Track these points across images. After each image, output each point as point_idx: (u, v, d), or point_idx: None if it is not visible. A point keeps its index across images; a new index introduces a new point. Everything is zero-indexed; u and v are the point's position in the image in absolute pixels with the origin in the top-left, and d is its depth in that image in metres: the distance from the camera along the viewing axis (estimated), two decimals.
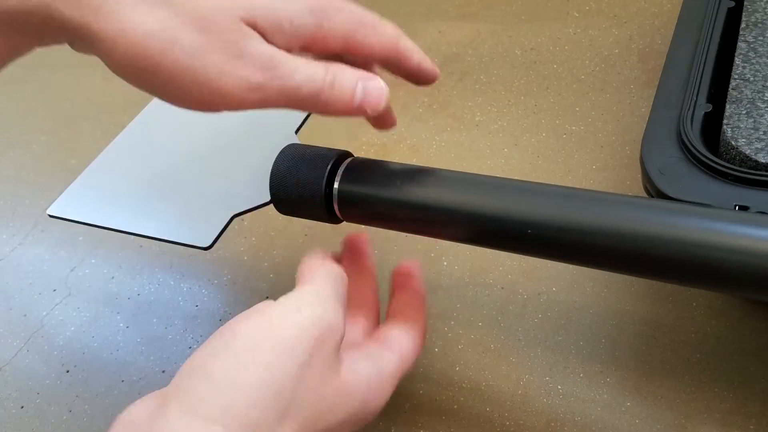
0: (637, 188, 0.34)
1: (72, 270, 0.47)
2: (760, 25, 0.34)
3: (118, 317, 0.44)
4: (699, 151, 0.29)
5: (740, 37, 0.34)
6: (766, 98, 0.31)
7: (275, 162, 0.31)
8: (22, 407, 0.41)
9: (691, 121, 0.31)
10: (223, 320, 0.42)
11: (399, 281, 0.33)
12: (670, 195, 0.28)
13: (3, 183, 0.56)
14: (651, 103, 0.33)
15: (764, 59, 0.32)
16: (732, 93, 0.31)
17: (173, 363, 0.40)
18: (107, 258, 0.47)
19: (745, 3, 0.35)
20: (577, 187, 0.27)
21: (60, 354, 0.43)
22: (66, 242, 0.49)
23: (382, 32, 0.28)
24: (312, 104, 0.26)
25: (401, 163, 0.30)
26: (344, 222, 0.32)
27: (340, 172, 0.30)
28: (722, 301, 0.35)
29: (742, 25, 0.34)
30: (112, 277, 0.46)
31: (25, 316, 0.45)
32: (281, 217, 0.32)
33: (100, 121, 0.59)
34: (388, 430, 0.34)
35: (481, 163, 0.45)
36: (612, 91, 0.47)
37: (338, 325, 0.26)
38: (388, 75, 0.30)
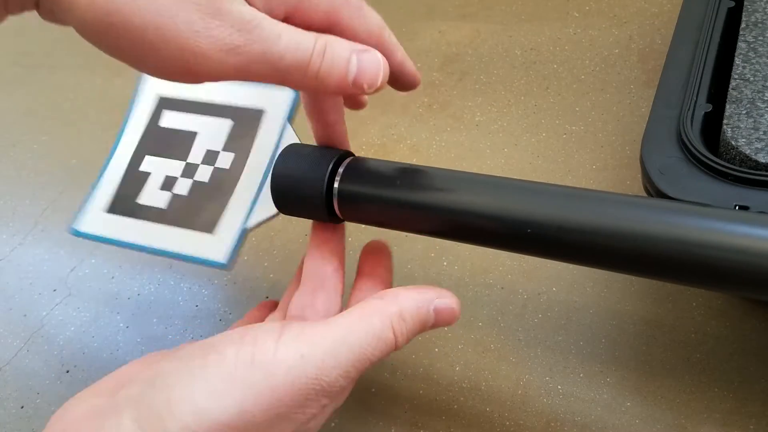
0: (637, 188, 0.34)
1: (72, 270, 0.47)
2: (760, 25, 0.34)
3: (118, 317, 0.44)
4: (699, 151, 0.29)
5: (740, 37, 0.34)
6: (766, 98, 0.31)
7: (276, 162, 0.31)
8: (22, 407, 0.41)
9: (691, 121, 0.31)
10: (223, 320, 0.42)
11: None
12: (670, 195, 0.28)
13: (3, 183, 0.56)
14: (651, 103, 0.33)
15: (764, 59, 0.32)
16: (732, 93, 0.31)
17: None
18: (107, 258, 0.47)
19: (745, 3, 0.35)
20: (577, 186, 0.27)
21: (60, 354, 0.43)
22: (66, 242, 0.49)
23: (368, 17, 0.26)
24: (299, 78, 0.24)
25: (401, 163, 0.30)
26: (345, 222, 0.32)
27: (340, 171, 0.30)
28: (722, 301, 0.35)
29: (742, 25, 0.34)
30: (112, 277, 0.46)
31: (25, 316, 0.45)
32: (281, 217, 0.32)
33: (100, 121, 0.59)
34: (388, 429, 0.34)
35: (481, 163, 0.45)
36: (612, 91, 0.47)
37: (336, 388, 0.24)
38: None
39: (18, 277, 0.48)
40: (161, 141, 0.36)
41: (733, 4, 0.36)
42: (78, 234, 0.35)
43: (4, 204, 0.54)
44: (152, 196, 0.35)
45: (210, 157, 0.34)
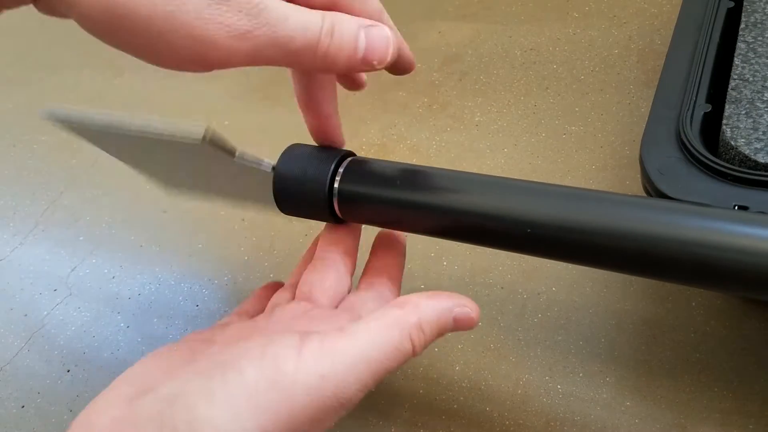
0: (637, 188, 0.34)
1: (72, 270, 0.47)
2: (759, 25, 0.34)
3: (119, 317, 0.44)
4: (698, 151, 0.29)
5: (739, 38, 0.34)
6: (765, 98, 0.31)
7: (278, 162, 0.31)
8: (23, 407, 0.41)
9: (691, 121, 0.31)
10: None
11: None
12: (670, 195, 0.28)
13: (3, 183, 0.56)
14: (650, 103, 0.33)
15: (763, 59, 0.33)
16: (731, 93, 0.32)
17: None
18: (108, 258, 0.47)
19: (745, 3, 0.35)
20: (577, 186, 0.27)
21: (61, 354, 0.43)
22: (66, 242, 0.49)
23: (369, 4, 0.25)
24: (309, 58, 0.23)
25: (401, 163, 0.30)
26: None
27: (340, 171, 0.30)
28: (722, 300, 0.35)
29: (742, 26, 0.34)
30: (113, 277, 0.46)
31: (25, 315, 0.46)
32: (282, 217, 0.32)
33: None
34: (388, 429, 0.35)
35: (480, 163, 0.45)
36: (611, 91, 0.47)
37: (354, 401, 0.24)
38: (388, 73, 0.30)
39: (18, 277, 0.48)
40: None
41: (732, 4, 0.36)
42: (50, 116, 0.32)
43: (4, 204, 0.54)
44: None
45: None
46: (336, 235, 0.32)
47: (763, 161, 0.28)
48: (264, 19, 0.22)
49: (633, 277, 0.37)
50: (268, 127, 0.53)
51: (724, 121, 0.30)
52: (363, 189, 0.29)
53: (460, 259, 0.41)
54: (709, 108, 0.31)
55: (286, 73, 0.30)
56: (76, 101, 0.62)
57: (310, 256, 0.33)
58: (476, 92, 0.50)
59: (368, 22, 0.24)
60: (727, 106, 0.31)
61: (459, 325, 0.27)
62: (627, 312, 0.36)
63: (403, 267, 0.32)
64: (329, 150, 0.31)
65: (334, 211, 0.30)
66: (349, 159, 0.31)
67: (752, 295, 0.25)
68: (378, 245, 0.33)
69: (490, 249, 0.29)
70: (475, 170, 0.31)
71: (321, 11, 0.23)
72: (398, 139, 0.49)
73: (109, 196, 0.52)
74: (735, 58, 0.33)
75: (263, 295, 0.34)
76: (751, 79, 0.32)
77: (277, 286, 0.34)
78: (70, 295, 0.46)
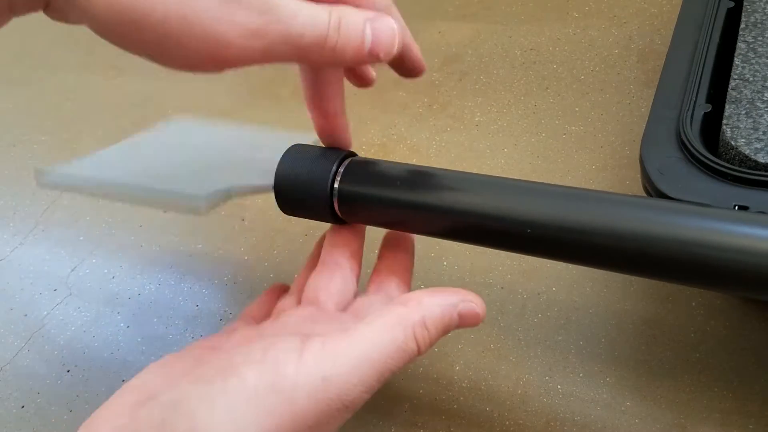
0: (637, 188, 0.34)
1: (72, 270, 0.47)
2: (759, 25, 0.34)
3: (119, 317, 0.44)
4: (698, 151, 0.29)
5: (740, 38, 0.34)
6: (765, 98, 0.31)
7: (279, 162, 0.31)
8: (23, 407, 0.41)
9: (691, 121, 0.31)
10: (223, 320, 0.42)
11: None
12: (670, 195, 0.28)
13: (3, 183, 0.56)
14: (650, 103, 0.33)
15: (764, 59, 0.33)
16: (731, 93, 0.32)
17: None
18: (108, 258, 0.47)
19: (745, 3, 0.35)
20: (577, 186, 0.27)
21: (61, 354, 0.43)
22: (66, 242, 0.49)
23: None
24: (318, 53, 0.23)
25: (401, 163, 0.30)
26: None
27: (340, 172, 0.30)
28: (722, 300, 0.35)
29: (742, 26, 0.34)
30: (113, 277, 0.46)
31: (25, 315, 0.46)
32: (282, 217, 0.32)
33: (100, 121, 0.59)
34: (388, 429, 0.35)
35: (481, 163, 0.45)
36: (611, 91, 0.47)
37: (358, 403, 0.23)
38: (388, 73, 0.30)
39: (18, 277, 0.48)
40: None
41: (732, 4, 0.36)
42: (47, 183, 0.32)
43: (4, 204, 0.54)
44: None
45: None
46: (340, 238, 0.31)
47: (763, 161, 0.28)
48: (275, 16, 0.22)
49: (633, 277, 0.37)
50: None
51: (725, 121, 0.30)
52: (363, 189, 0.29)
53: (460, 259, 0.41)
54: (709, 108, 0.31)
55: (287, 73, 0.30)
56: (76, 101, 0.62)
57: (314, 260, 0.32)
58: (476, 92, 0.50)
59: (373, 14, 0.24)
60: (727, 106, 0.31)
61: (464, 322, 0.26)
62: (627, 312, 0.36)
63: (411, 268, 0.32)
64: (330, 150, 0.31)
65: (335, 211, 0.30)
66: (350, 159, 0.31)
67: (752, 294, 0.25)
68: (386, 246, 0.32)
69: (490, 249, 0.29)
70: (475, 170, 0.31)
71: (328, 6, 0.23)
72: (398, 139, 0.49)
73: None
74: (735, 58, 0.33)
75: (268, 298, 0.34)
76: (751, 79, 0.32)
77: (281, 288, 0.34)
78: (70, 295, 0.46)
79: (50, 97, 0.63)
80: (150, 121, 0.38)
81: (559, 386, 0.34)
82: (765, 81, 0.32)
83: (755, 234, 0.23)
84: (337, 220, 0.31)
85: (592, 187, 0.42)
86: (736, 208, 0.27)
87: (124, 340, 0.42)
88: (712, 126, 0.31)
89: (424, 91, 0.52)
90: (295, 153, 0.31)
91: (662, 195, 0.29)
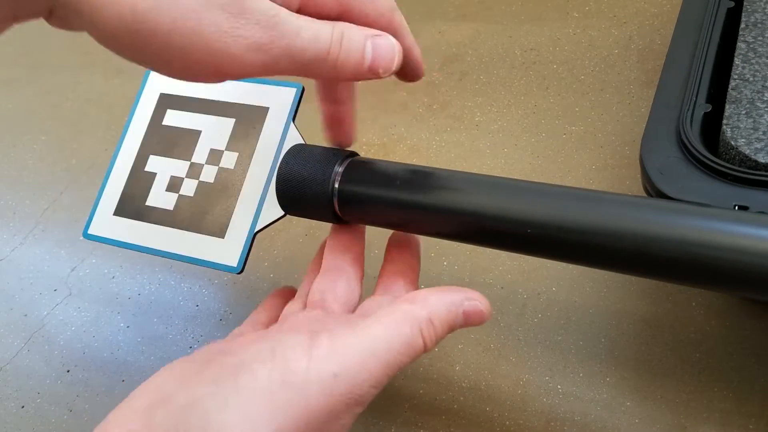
0: (637, 188, 0.34)
1: (72, 270, 0.47)
2: (759, 25, 0.34)
3: (119, 317, 0.44)
4: (699, 151, 0.29)
5: (740, 38, 0.34)
6: (765, 98, 0.31)
7: (281, 163, 0.31)
8: (23, 407, 0.41)
9: (691, 121, 0.31)
10: (223, 320, 0.42)
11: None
12: (670, 195, 0.28)
13: (3, 183, 0.56)
14: (650, 103, 0.33)
15: (764, 59, 0.32)
16: (731, 93, 0.32)
17: None
18: (107, 258, 0.47)
19: (745, 3, 0.35)
20: (577, 186, 0.27)
21: (60, 354, 0.43)
22: (66, 242, 0.49)
23: (380, 4, 0.26)
24: (319, 67, 0.24)
25: (401, 163, 0.30)
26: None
27: (340, 172, 0.30)
28: (722, 300, 0.35)
29: (742, 26, 0.34)
30: (113, 277, 0.46)
31: (25, 315, 0.46)
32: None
33: (100, 121, 0.59)
34: (388, 429, 0.35)
35: (481, 163, 0.45)
36: (612, 91, 0.47)
37: (368, 398, 0.24)
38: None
39: (18, 277, 0.48)
40: (165, 140, 0.36)
41: (732, 4, 0.36)
42: (90, 237, 0.36)
43: (4, 204, 0.54)
44: (159, 197, 0.35)
45: (214, 156, 0.35)
46: (341, 242, 0.31)
47: (763, 161, 0.28)
48: (279, 32, 0.22)
49: (633, 277, 0.37)
50: None
51: (725, 121, 0.30)
52: (363, 190, 0.29)
53: (460, 259, 0.41)
54: (709, 108, 0.31)
55: None
56: (76, 101, 0.62)
57: (317, 266, 0.32)
58: (476, 92, 0.50)
59: (374, 32, 0.25)
60: (727, 106, 0.31)
61: (469, 320, 0.26)
62: (627, 312, 0.36)
63: (418, 269, 0.32)
64: (332, 150, 0.31)
65: (335, 211, 0.30)
66: (350, 159, 0.31)
67: (752, 295, 0.25)
68: (391, 247, 0.32)
69: (490, 249, 0.29)
70: (475, 170, 0.31)
71: (330, 22, 0.24)
72: (398, 139, 0.49)
73: None
74: (735, 58, 0.33)
75: (275, 303, 0.34)
76: (751, 78, 0.32)
77: (286, 292, 0.34)
78: (70, 295, 0.46)
79: (50, 97, 0.63)
80: None
81: (559, 386, 0.34)
82: (765, 81, 0.32)
83: (755, 234, 0.23)
84: (337, 220, 0.31)
85: (592, 187, 0.42)
86: (737, 208, 0.27)
87: (124, 340, 0.42)
88: (712, 126, 0.31)
89: (424, 91, 0.52)
90: (297, 153, 0.31)
91: (662, 195, 0.29)
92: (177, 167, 0.35)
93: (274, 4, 0.23)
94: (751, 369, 0.33)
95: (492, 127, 0.48)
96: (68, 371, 0.42)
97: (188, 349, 0.41)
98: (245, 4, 0.22)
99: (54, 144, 0.58)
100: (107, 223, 0.36)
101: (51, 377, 0.42)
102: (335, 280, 0.30)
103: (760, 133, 0.29)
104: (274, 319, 0.32)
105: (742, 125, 0.30)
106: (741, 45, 0.34)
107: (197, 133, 0.35)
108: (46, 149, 0.58)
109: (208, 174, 0.34)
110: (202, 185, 0.34)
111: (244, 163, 0.34)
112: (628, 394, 0.33)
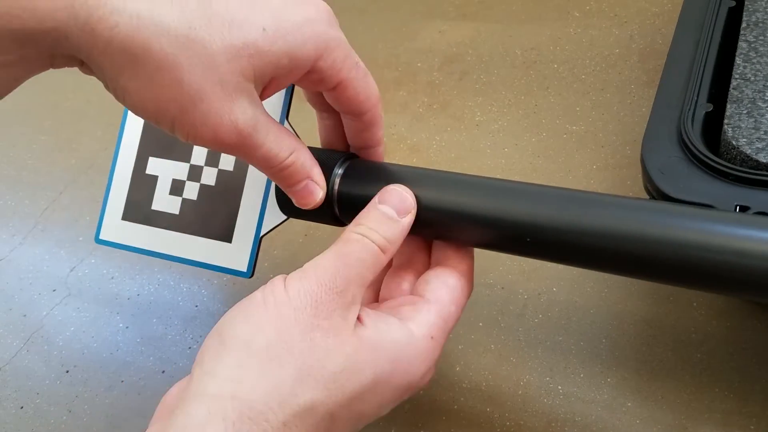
0: (638, 188, 0.34)
1: (72, 270, 0.47)
2: (760, 24, 0.34)
3: (118, 317, 0.44)
4: (700, 151, 0.29)
5: (741, 37, 0.34)
6: (766, 98, 0.31)
7: None
8: (22, 407, 0.41)
9: (692, 121, 0.31)
10: None
11: None
12: (671, 195, 0.28)
13: (3, 183, 0.56)
14: (651, 103, 0.33)
15: (765, 59, 0.32)
16: (733, 93, 0.31)
17: (173, 363, 0.40)
18: (107, 258, 0.47)
19: (746, 3, 0.35)
20: (578, 188, 0.27)
21: (60, 354, 0.43)
22: (66, 242, 0.49)
23: (371, 85, 0.29)
24: (261, 165, 0.28)
25: (401, 165, 0.30)
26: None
27: (339, 174, 0.30)
28: (723, 301, 0.35)
29: (743, 25, 0.34)
30: (112, 278, 0.46)
31: (24, 316, 0.45)
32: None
33: (100, 121, 0.59)
34: (388, 430, 0.34)
35: (481, 163, 0.45)
36: (612, 90, 0.47)
37: (339, 289, 0.26)
38: (388, 73, 0.30)
39: (18, 277, 0.48)
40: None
41: (734, 3, 0.36)
42: (102, 243, 0.37)
43: (4, 204, 0.54)
44: (164, 201, 0.35)
45: (212, 158, 0.35)
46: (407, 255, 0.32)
47: (764, 161, 0.28)
48: (255, 132, 0.26)
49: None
50: None
51: (726, 121, 0.30)
52: (363, 191, 0.29)
53: None
54: (710, 107, 0.31)
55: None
56: (76, 101, 0.61)
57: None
58: (477, 92, 0.50)
59: (316, 177, 0.29)
60: (728, 106, 0.31)
61: (391, 199, 0.28)
62: (628, 312, 0.36)
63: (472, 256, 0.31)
64: (332, 152, 0.31)
65: (335, 213, 0.30)
66: (350, 161, 0.31)
67: (753, 297, 0.24)
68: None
69: (491, 251, 0.29)
70: (475, 170, 0.31)
71: (294, 143, 0.28)
72: (398, 139, 0.49)
73: None
74: (736, 58, 0.33)
75: None
76: (752, 78, 0.32)
77: None
78: (70, 295, 0.46)
79: (50, 97, 0.63)
80: None
81: (559, 387, 0.34)
82: (766, 80, 0.31)
83: (756, 236, 0.23)
84: (337, 222, 0.31)
85: (593, 187, 0.42)
86: (737, 208, 0.27)
87: (124, 341, 0.42)
88: (713, 126, 0.31)
89: (424, 90, 0.51)
90: None
91: (663, 195, 0.29)
92: (177, 170, 0.35)
93: (257, 111, 0.26)
94: (752, 369, 0.33)
95: (492, 127, 0.48)
96: (67, 372, 0.42)
97: (187, 350, 0.41)
98: (232, 110, 0.26)
99: (53, 144, 0.58)
100: (117, 227, 0.36)
101: (50, 378, 0.41)
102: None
103: (762, 132, 0.29)
104: None
105: (743, 125, 0.30)
106: (742, 44, 0.33)
107: None
108: (46, 149, 0.58)
109: (209, 177, 0.34)
110: (204, 188, 0.35)
111: (243, 164, 0.34)
112: (629, 395, 0.33)
